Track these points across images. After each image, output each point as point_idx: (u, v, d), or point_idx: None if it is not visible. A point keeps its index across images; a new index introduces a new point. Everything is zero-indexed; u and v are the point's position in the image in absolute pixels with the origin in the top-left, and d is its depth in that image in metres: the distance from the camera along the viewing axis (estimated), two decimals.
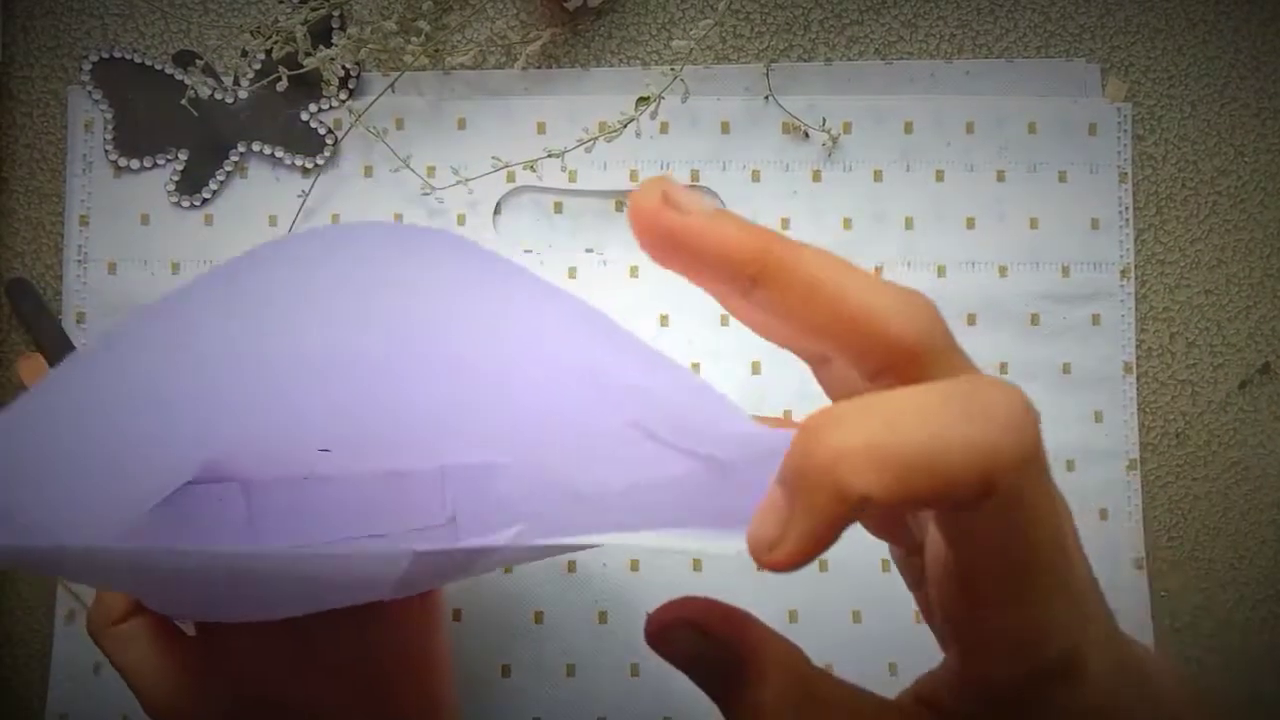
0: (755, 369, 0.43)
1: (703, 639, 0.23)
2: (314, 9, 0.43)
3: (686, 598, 0.23)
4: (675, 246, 0.22)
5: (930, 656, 0.47)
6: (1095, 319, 0.44)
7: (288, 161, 0.44)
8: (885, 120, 0.44)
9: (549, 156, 0.42)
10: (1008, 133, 0.44)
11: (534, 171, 0.43)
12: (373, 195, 0.44)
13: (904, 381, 0.21)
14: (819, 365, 0.24)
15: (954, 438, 0.18)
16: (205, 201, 0.44)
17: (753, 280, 0.22)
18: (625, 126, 0.42)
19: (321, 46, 0.42)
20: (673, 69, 0.42)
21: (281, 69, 0.42)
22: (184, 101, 0.43)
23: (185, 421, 0.24)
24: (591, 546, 0.25)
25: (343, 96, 0.44)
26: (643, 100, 0.42)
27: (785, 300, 0.22)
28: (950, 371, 0.21)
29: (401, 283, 0.23)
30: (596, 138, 0.42)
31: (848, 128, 0.44)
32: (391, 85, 0.43)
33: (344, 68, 0.43)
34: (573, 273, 0.44)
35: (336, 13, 0.43)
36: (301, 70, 0.42)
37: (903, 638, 0.43)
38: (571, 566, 0.43)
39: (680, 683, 0.44)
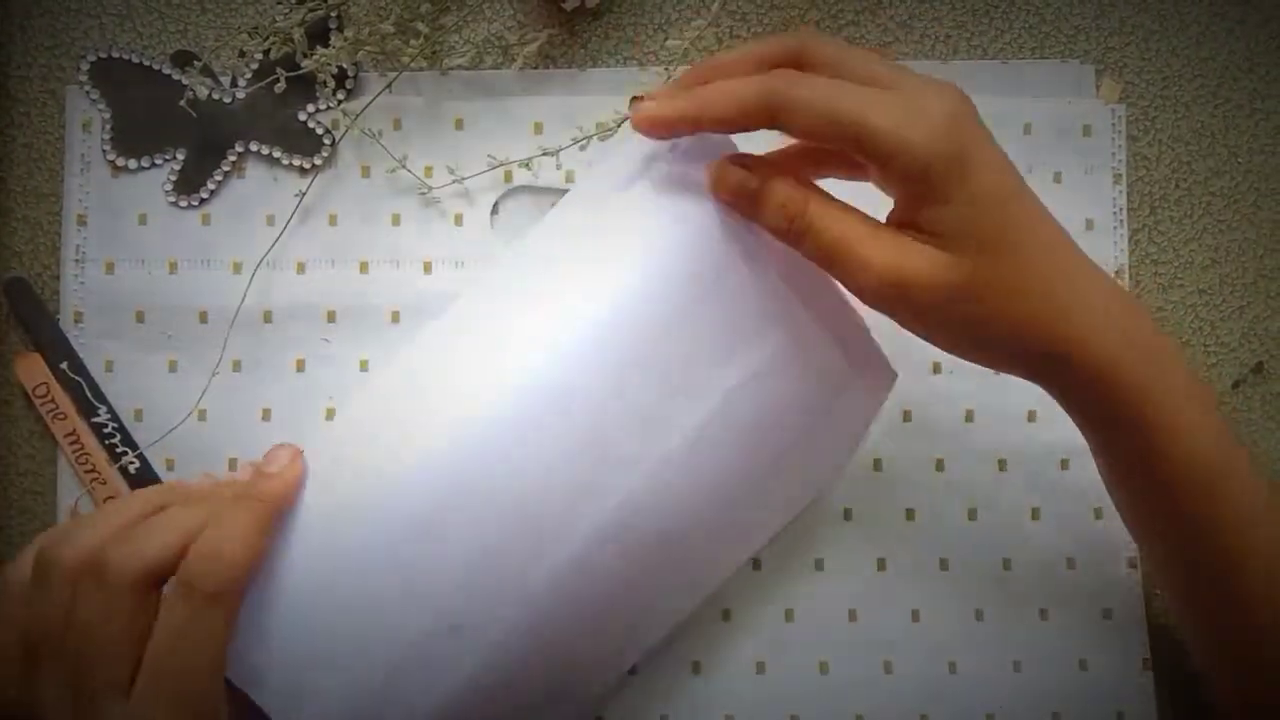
0: None
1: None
2: (311, 10, 0.43)
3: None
4: (685, 127, 0.33)
5: (924, 657, 0.47)
6: None
7: (285, 161, 0.44)
8: None
9: (544, 155, 0.43)
10: (1002, 134, 0.44)
11: (530, 171, 0.43)
12: (370, 195, 0.44)
13: (922, 191, 0.31)
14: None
15: (880, 122, 0.30)
16: (203, 201, 0.44)
17: (770, 122, 0.31)
18: (619, 125, 0.42)
19: (319, 47, 0.43)
20: (667, 69, 0.42)
21: (279, 70, 0.42)
22: (182, 102, 0.43)
23: None
24: None
25: (340, 97, 0.44)
26: (636, 99, 0.42)
27: (802, 135, 0.32)
28: (971, 171, 0.31)
29: None
30: (591, 136, 0.42)
31: None
32: (389, 86, 0.43)
33: (341, 68, 0.43)
34: None
35: (334, 13, 0.43)
36: (299, 71, 0.42)
37: (899, 637, 0.43)
38: None
39: (678, 683, 0.44)
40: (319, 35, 0.43)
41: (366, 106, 0.43)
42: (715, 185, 0.33)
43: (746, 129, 0.33)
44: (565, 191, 0.44)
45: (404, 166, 0.43)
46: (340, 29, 0.44)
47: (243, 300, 0.43)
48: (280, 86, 0.43)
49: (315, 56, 0.42)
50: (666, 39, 0.45)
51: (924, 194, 0.31)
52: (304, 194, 0.44)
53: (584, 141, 0.43)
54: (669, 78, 0.42)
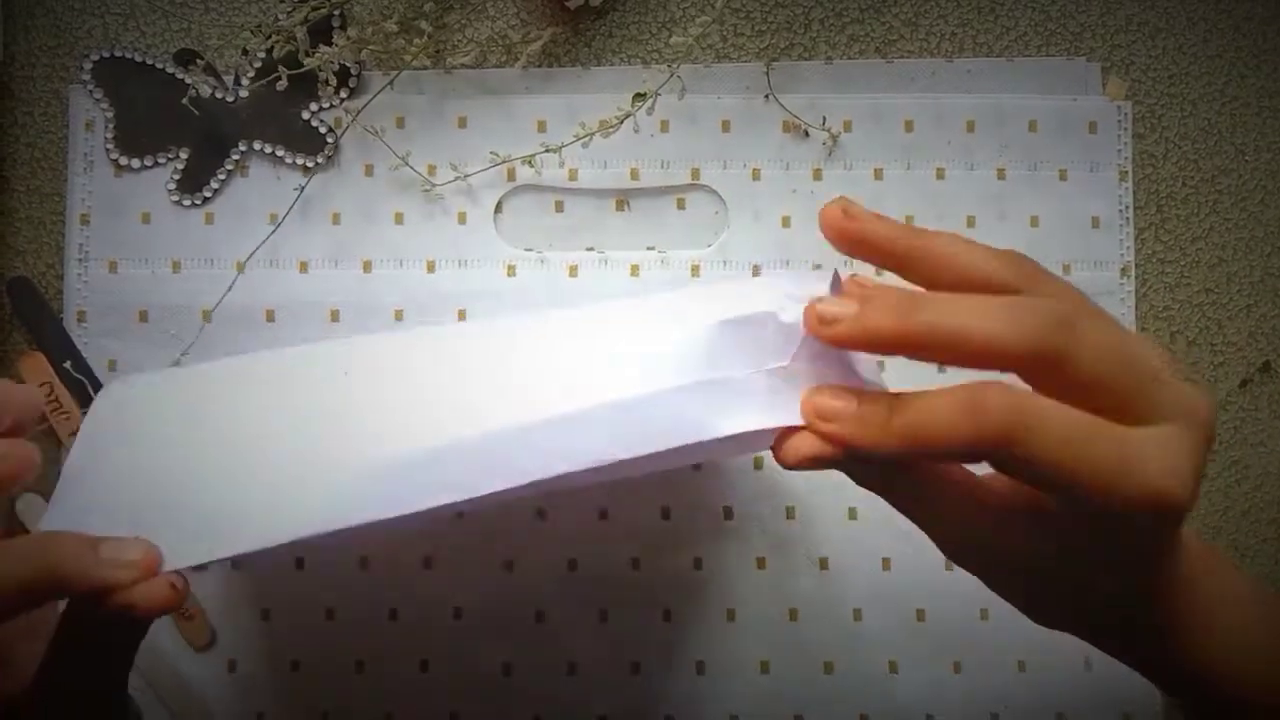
0: None
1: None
2: (315, 8, 0.43)
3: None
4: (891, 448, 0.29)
5: (926, 655, 0.47)
6: None
7: (288, 160, 0.44)
8: (886, 119, 0.44)
9: (546, 151, 0.42)
10: (1008, 131, 0.44)
11: (533, 168, 0.43)
12: (373, 193, 0.44)
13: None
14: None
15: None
16: (206, 200, 0.44)
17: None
18: (621, 123, 0.42)
19: (322, 45, 0.42)
20: (670, 66, 0.42)
21: (282, 68, 0.42)
22: (185, 100, 0.43)
23: None
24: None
25: (343, 95, 0.44)
26: (639, 97, 0.42)
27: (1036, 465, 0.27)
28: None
29: None
30: (593, 133, 0.42)
31: (848, 126, 0.44)
32: (391, 83, 0.43)
33: (344, 66, 0.43)
34: (574, 271, 0.44)
35: (337, 12, 0.43)
36: (302, 70, 0.42)
37: (904, 636, 0.43)
38: (573, 565, 0.43)
39: (682, 683, 0.44)
40: (322, 33, 0.43)
41: (368, 104, 0.43)
42: None
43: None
44: (568, 190, 0.44)
45: (407, 165, 0.43)
46: (343, 27, 0.44)
47: (225, 293, 0.43)
48: (283, 85, 0.43)
49: (318, 55, 0.42)
50: (670, 37, 0.44)
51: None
52: (302, 189, 0.43)
53: (587, 139, 0.43)
54: (671, 75, 0.42)
